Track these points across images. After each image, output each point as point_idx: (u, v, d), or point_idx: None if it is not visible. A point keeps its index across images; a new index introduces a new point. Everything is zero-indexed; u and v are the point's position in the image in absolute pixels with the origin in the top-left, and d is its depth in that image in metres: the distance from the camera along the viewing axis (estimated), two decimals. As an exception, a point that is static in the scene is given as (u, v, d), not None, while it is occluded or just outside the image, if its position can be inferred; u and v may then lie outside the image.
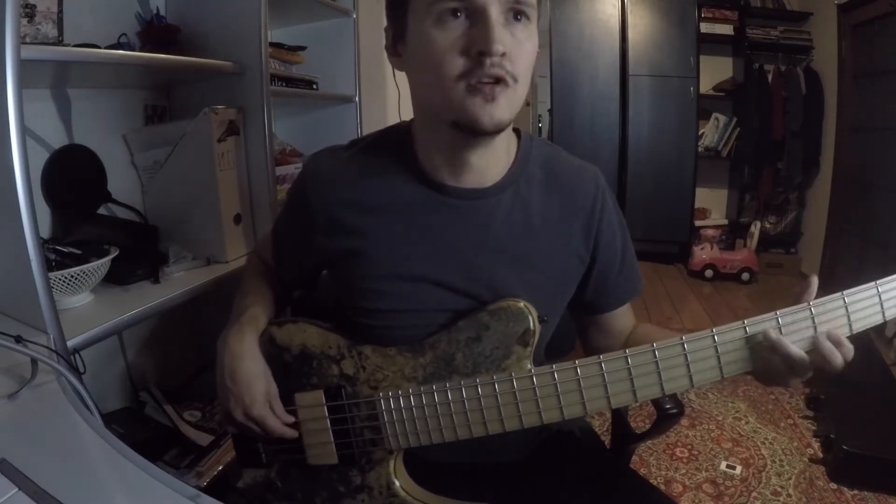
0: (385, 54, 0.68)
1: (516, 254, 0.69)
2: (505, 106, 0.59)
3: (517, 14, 0.58)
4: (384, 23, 0.67)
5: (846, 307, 0.57)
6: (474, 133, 0.61)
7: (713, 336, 0.58)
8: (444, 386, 0.65)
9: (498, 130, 0.61)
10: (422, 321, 0.69)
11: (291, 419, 0.72)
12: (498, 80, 0.58)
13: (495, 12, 0.56)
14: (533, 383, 0.63)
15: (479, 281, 0.68)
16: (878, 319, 0.58)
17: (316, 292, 0.90)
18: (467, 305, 0.68)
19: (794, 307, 0.57)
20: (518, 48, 0.58)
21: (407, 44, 0.63)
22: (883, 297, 0.57)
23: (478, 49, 0.56)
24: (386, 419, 0.68)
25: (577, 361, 0.61)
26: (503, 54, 0.57)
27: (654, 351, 0.59)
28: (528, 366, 0.65)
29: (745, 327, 0.58)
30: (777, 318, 0.57)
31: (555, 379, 0.62)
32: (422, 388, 0.66)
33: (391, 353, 0.69)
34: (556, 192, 0.72)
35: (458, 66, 0.57)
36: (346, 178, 0.71)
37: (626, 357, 0.60)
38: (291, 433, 0.72)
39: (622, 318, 0.80)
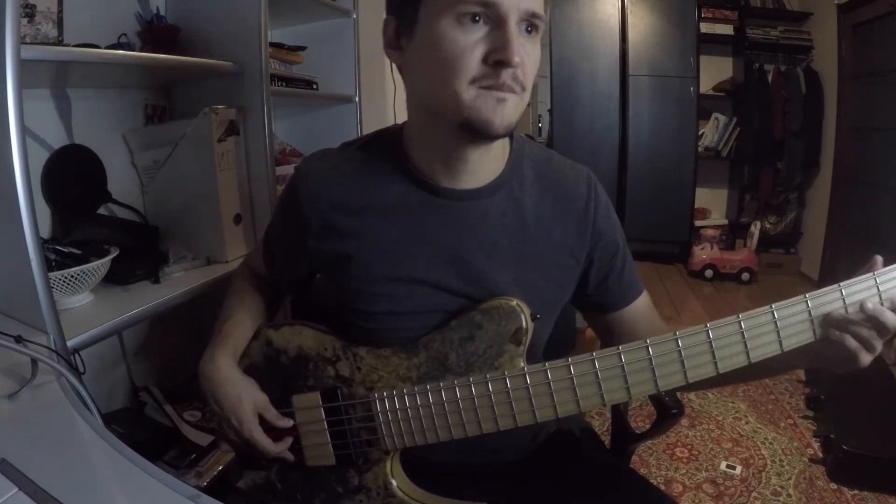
0: (383, 51, 0.67)
1: (510, 254, 0.69)
2: (513, 110, 0.61)
3: (529, 27, 0.59)
4: (384, 16, 0.66)
5: (843, 300, 0.57)
6: (484, 135, 0.61)
7: (707, 331, 0.58)
8: (438, 385, 0.66)
9: (506, 133, 0.62)
10: (417, 322, 0.69)
11: (288, 423, 0.72)
12: (509, 90, 0.59)
13: (514, 23, 0.57)
14: (526, 382, 0.63)
15: (474, 282, 0.68)
16: None
17: (312, 294, 0.90)
18: (462, 306, 0.68)
19: (789, 300, 0.58)
20: (528, 59, 0.59)
21: (414, 39, 0.62)
22: (881, 287, 0.57)
23: (497, 58, 0.57)
24: (381, 420, 0.68)
25: (569, 359, 0.61)
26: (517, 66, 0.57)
27: (647, 347, 0.59)
28: (522, 364, 0.65)
29: (739, 321, 0.58)
30: (773, 312, 0.58)
31: (548, 377, 0.62)
32: (416, 388, 0.67)
33: (386, 354, 0.69)
34: (549, 193, 0.72)
35: (473, 70, 0.58)
36: (338, 180, 0.71)
37: (620, 354, 0.60)
38: (282, 449, 0.72)
39: (643, 315, 0.78)
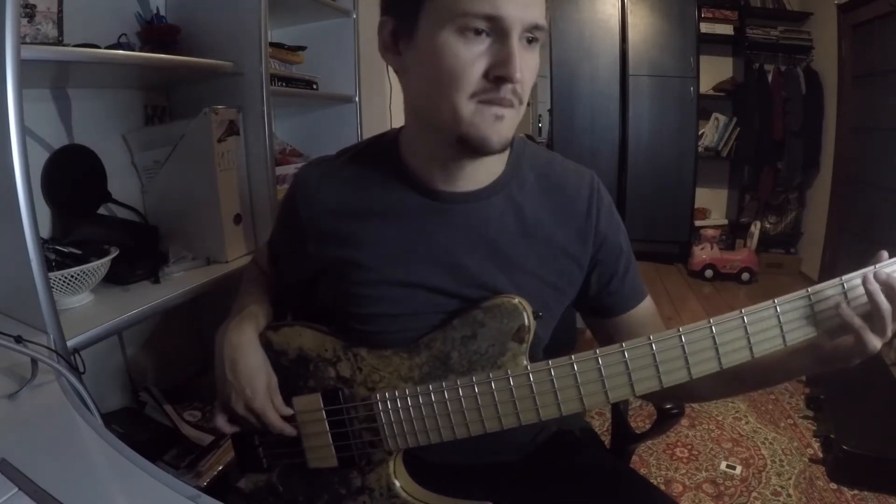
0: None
1: (509, 256, 0.69)
2: (510, 125, 0.61)
3: (531, 38, 0.59)
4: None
5: (845, 293, 0.57)
6: (480, 151, 0.61)
7: (710, 327, 0.58)
8: (441, 385, 0.65)
9: (502, 149, 0.62)
10: (417, 323, 0.69)
11: (290, 412, 0.72)
12: (508, 104, 0.59)
13: (517, 36, 0.57)
14: (529, 380, 0.63)
15: (472, 284, 0.68)
16: None
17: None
18: (460, 307, 0.68)
19: (793, 294, 0.57)
20: (528, 72, 0.59)
21: (414, 45, 0.61)
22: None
23: (499, 73, 0.57)
24: (383, 420, 0.68)
25: (573, 357, 0.61)
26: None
27: (650, 344, 0.59)
28: (524, 362, 0.64)
29: (742, 317, 0.58)
30: (776, 307, 0.57)
31: (551, 375, 0.62)
32: (418, 389, 0.66)
33: (387, 355, 0.69)
34: (550, 196, 0.72)
35: (473, 84, 0.58)
36: (335, 186, 0.72)
37: (623, 350, 0.60)
38: (290, 430, 0.72)
39: (645, 320, 0.77)
